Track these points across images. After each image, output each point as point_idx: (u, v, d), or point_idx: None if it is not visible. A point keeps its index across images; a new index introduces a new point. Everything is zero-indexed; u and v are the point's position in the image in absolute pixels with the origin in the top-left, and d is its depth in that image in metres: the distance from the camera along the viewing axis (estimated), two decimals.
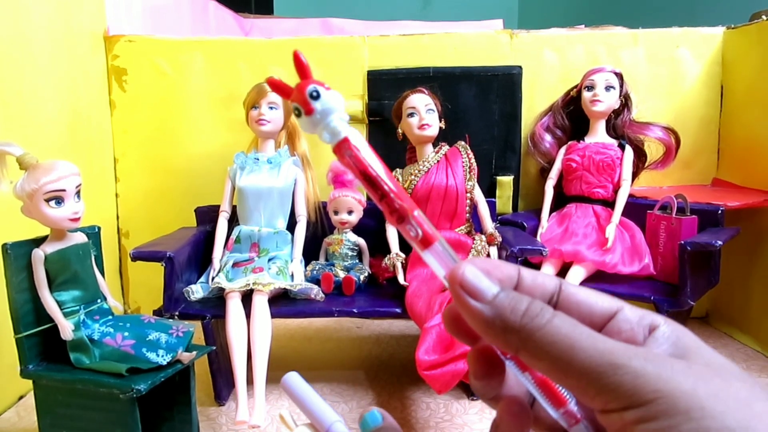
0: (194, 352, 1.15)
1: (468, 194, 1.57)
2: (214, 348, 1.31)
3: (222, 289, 1.42)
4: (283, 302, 1.46)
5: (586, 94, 1.67)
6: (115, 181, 1.89)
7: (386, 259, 1.54)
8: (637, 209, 1.65)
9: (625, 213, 1.63)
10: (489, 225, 1.58)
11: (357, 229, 1.64)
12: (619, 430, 0.21)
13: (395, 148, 1.73)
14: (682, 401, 0.20)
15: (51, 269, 1.08)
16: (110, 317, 1.15)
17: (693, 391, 0.20)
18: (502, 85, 1.81)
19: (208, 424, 1.36)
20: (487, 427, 1.20)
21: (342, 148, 0.26)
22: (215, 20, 2.82)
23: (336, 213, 1.61)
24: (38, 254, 1.07)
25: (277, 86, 0.27)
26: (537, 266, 1.66)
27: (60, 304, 1.09)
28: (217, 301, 1.44)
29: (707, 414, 0.20)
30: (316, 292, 1.47)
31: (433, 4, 4.99)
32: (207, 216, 1.67)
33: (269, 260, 1.51)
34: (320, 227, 1.65)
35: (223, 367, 1.44)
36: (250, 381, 1.32)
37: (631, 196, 1.66)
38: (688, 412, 0.20)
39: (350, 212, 1.61)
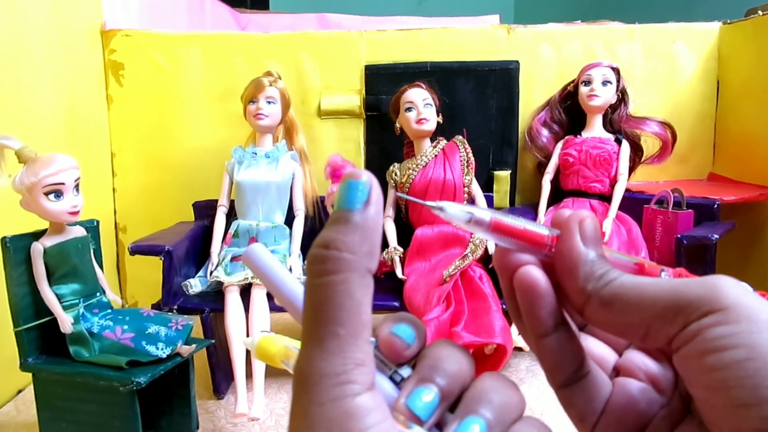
0: (193, 345, 1.15)
1: (465, 189, 1.57)
2: (213, 341, 1.32)
3: (220, 283, 1.42)
4: None
5: (583, 89, 1.67)
6: (112, 175, 1.89)
7: (384, 253, 1.54)
8: (633, 203, 1.66)
9: (621, 207, 1.64)
10: None
11: None
12: (693, 338, 0.21)
13: (393, 143, 1.74)
14: (763, 312, 0.20)
15: (50, 263, 1.08)
16: (109, 310, 1.15)
17: None
18: (499, 80, 1.81)
19: (207, 417, 1.36)
20: None
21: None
22: (211, 15, 2.82)
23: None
24: (37, 248, 1.07)
25: None
26: None
27: (59, 297, 1.09)
28: (215, 295, 1.45)
29: None
30: None
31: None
32: (205, 210, 1.67)
33: None
34: (318, 222, 1.65)
35: (222, 361, 1.45)
36: (249, 374, 1.32)
37: (627, 190, 1.66)
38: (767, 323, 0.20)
39: None
